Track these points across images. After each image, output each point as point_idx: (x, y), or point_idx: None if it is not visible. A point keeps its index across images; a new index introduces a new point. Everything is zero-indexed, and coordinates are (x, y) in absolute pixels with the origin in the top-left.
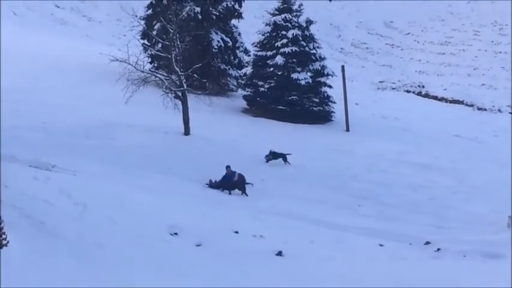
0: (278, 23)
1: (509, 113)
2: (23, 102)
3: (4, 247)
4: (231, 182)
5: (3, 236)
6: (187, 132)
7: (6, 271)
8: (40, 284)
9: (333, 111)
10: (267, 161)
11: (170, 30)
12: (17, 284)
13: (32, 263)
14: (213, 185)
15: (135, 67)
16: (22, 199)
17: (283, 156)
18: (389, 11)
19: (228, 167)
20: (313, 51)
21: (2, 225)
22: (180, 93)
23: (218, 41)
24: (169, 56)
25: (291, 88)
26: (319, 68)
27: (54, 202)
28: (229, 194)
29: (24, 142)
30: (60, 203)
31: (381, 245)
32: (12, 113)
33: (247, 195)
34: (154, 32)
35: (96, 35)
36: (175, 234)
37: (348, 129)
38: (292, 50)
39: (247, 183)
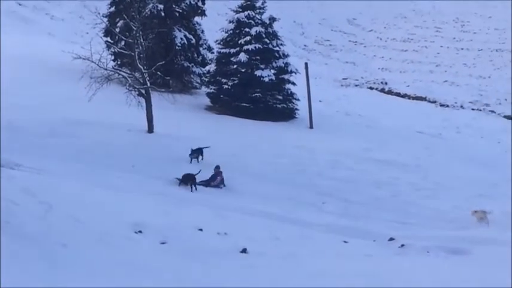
0: (241, 20)
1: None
2: None
3: None
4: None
5: None
6: (151, 130)
7: None
8: (3, 283)
9: (296, 109)
10: (191, 160)
11: (133, 27)
12: None
13: None
14: (199, 183)
15: (98, 65)
16: None
17: (201, 151)
18: (352, 8)
19: (217, 167)
20: (277, 48)
21: None
22: (143, 91)
23: (181, 39)
24: (133, 54)
25: (255, 85)
26: (283, 65)
27: (19, 201)
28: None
29: None
30: (25, 203)
31: (345, 242)
32: None
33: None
34: (117, 30)
35: (59, 33)
36: (140, 232)
37: (311, 126)
38: (255, 47)
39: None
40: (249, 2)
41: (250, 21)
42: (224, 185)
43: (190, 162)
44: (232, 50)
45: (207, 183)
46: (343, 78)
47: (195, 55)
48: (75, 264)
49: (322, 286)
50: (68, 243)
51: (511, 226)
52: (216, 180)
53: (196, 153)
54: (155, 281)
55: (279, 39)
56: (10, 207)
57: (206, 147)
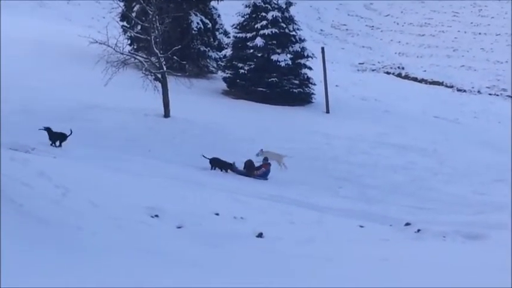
0: (258, 4)
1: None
2: (3, 85)
3: None
4: None
5: None
6: (167, 114)
7: None
8: (20, 266)
9: (313, 93)
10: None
11: (149, 12)
12: None
13: (12, 245)
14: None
15: (114, 49)
16: (1, 181)
17: (63, 136)
18: None
19: (265, 159)
20: (293, 33)
21: None
22: (159, 75)
23: (198, 23)
24: (149, 38)
25: (271, 70)
26: (299, 50)
27: (34, 185)
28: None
29: (3, 125)
30: (40, 186)
31: (361, 226)
32: None
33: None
34: (134, 14)
35: (76, 18)
36: (156, 216)
37: (328, 111)
38: (272, 31)
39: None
40: None
41: (266, 5)
42: (267, 178)
43: (51, 144)
44: (249, 35)
45: (248, 174)
46: (360, 63)
47: (212, 39)
48: (91, 248)
49: (338, 270)
50: (83, 226)
51: None
52: (260, 170)
53: (57, 138)
54: (171, 265)
55: (295, 23)
56: (25, 190)
57: (69, 135)
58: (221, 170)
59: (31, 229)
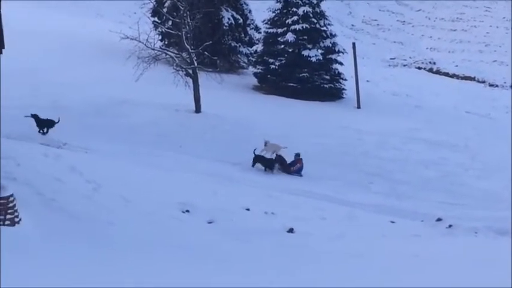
0: (289, 0)
1: None
2: (35, 81)
3: (16, 224)
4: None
5: (16, 214)
6: (198, 109)
7: (19, 249)
8: (52, 261)
9: (344, 88)
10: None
11: (181, 7)
12: (29, 261)
13: (44, 241)
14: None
15: (145, 45)
16: (33, 176)
17: (50, 123)
18: None
19: (297, 154)
20: (324, 28)
21: (14, 203)
22: (190, 71)
23: (229, 18)
24: (180, 34)
25: (302, 65)
26: (330, 45)
27: (65, 180)
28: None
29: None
30: (72, 181)
31: (392, 222)
32: (24, 93)
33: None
34: (165, 10)
35: (107, 13)
36: (187, 211)
37: (359, 106)
38: (302, 27)
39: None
40: None
41: (297, 1)
42: (301, 175)
43: (39, 132)
44: (280, 30)
45: (286, 170)
46: (391, 58)
47: (242, 35)
48: (122, 243)
49: (368, 266)
50: (115, 222)
51: None
52: (295, 166)
53: (44, 125)
54: (201, 260)
55: (326, 19)
56: (56, 185)
57: (57, 122)
58: (265, 169)
59: (62, 224)
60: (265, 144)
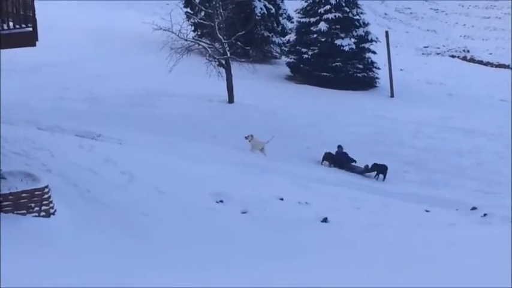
0: None
1: None
2: (69, 74)
3: (52, 215)
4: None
5: (51, 205)
6: (231, 100)
7: (54, 239)
8: (87, 252)
9: (377, 77)
10: None
11: None
12: (64, 251)
13: (79, 231)
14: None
15: (178, 35)
16: (68, 168)
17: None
18: None
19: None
20: (357, 17)
21: (49, 194)
22: (223, 61)
23: (261, 8)
24: (213, 24)
25: (335, 54)
26: (363, 34)
27: (99, 171)
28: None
29: (70, 112)
30: (106, 172)
31: (427, 211)
32: (59, 85)
33: None
34: (197, 0)
35: (139, 5)
36: (221, 201)
37: (392, 95)
38: (335, 16)
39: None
40: None
41: None
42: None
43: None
44: (312, 19)
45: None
46: (424, 47)
47: (275, 25)
48: (156, 234)
49: (404, 255)
50: (149, 212)
51: None
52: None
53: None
54: (235, 251)
55: (359, 7)
56: (91, 176)
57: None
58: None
59: (97, 215)
60: (249, 138)
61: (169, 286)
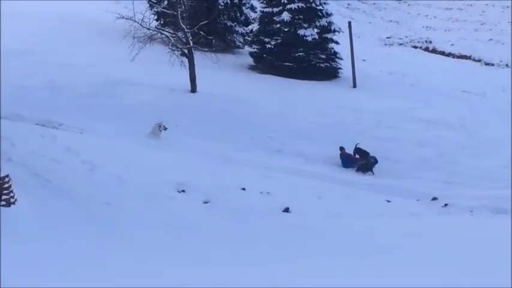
0: None
1: None
2: (30, 62)
3: (12, 205)
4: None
5: (11, 194)
6: (194, 89)
7: (15, 229)
8: (48, 241)
9: (340, 68)
10: None
11: None
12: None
13: (41, 221)
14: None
15: (141, 24)
16: (29, 157)
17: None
18: None
19: (342, 148)
20: (320, 7)
21: (10, 183)
22: (186, 51)
23: None
24: (175, 13)
25: (298, 45)
26: (326, 24)
27: (61, 160)
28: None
29: (31, 101)
30: (68, 162)
31: (388, 201)
32: (20, 73)
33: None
34: None
35: None
36: (183, 191)
37: (355, 86)
38: (298, 6)
39: None
40: None
41: None
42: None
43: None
44: (275, 9)
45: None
46: (387, 37)
47: (238, 14)
48: (119, 223)
49: (365, 245)
50: (111, 202)
51: None
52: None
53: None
54: (197, 240)
55: None
56: (52, 165)
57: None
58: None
59: (58, 204)
60: (159, 126)
61: (131, 275)
